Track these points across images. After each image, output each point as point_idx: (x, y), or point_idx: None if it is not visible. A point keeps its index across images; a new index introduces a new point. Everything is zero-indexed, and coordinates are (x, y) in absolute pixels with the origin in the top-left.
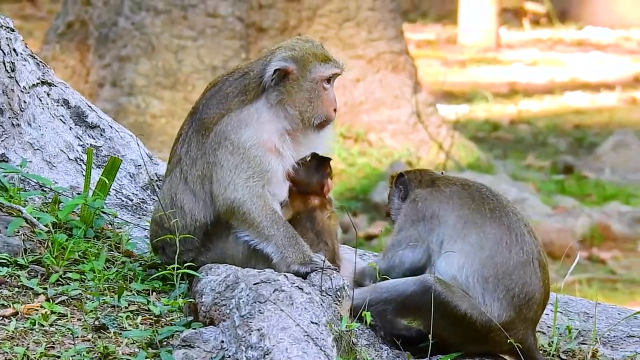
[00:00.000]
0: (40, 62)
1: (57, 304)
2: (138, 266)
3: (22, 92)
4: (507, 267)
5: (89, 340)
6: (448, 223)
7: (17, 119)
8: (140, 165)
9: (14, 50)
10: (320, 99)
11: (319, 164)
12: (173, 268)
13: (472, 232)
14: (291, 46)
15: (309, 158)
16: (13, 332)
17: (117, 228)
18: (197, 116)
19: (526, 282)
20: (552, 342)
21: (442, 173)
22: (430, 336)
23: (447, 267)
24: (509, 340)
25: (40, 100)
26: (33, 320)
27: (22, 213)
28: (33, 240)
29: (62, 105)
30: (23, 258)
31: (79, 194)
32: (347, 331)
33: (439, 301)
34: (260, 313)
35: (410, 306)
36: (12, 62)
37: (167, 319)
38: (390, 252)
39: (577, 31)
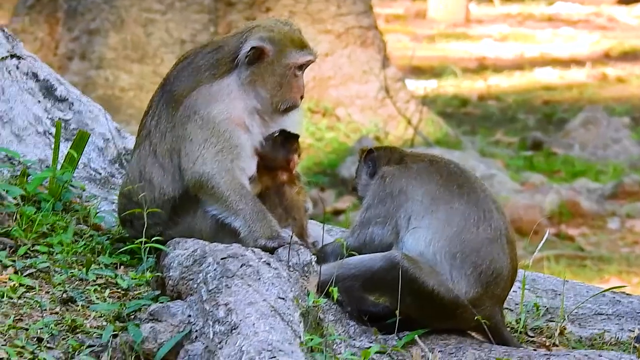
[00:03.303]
0: (10, 34)
1: (25, 276)
2: (106, 240)
3: None
4: (474, 244)
5: (56, 313)
6: (415, 199)
7: None
8: (108, 139)
9: None
10: (290, 85)
11: (286, 140)
12: (141, 242)
13: (440, 208)
14: (270, 27)
15: (277, 134)
16: None
17: (85, 201)
18: (167, 88)
19: (494, 258)
20: (520, 319)
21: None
22: (397, 312)
23: (414, 243)
24: (476, 317)
25: (10, 73)
26: (1, 293)
27: None
28: (1, 213)
29: (31, 79)
30: None
31: (47, 167)
32: (314, 307)
33: (406, 277)
34: (228, 288)
35: (378, 282)
36: None
37: (135, 292)
38: (359, 230)
39: (548, 7)
